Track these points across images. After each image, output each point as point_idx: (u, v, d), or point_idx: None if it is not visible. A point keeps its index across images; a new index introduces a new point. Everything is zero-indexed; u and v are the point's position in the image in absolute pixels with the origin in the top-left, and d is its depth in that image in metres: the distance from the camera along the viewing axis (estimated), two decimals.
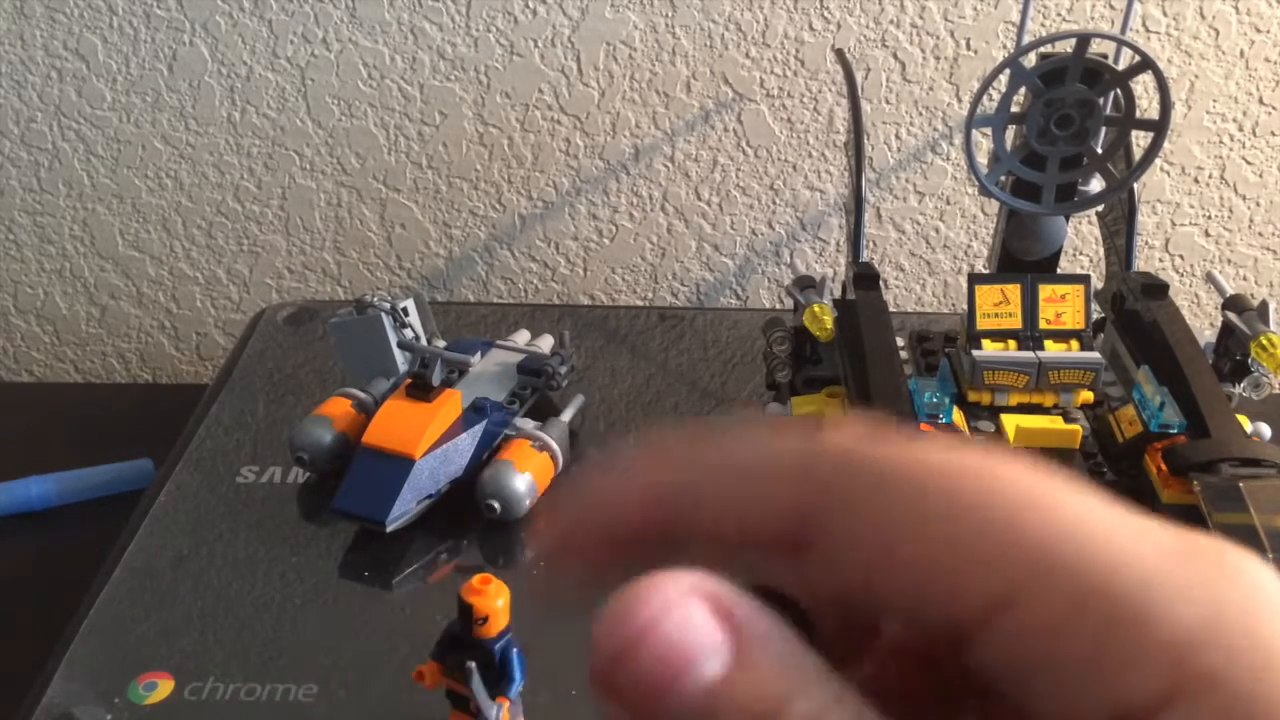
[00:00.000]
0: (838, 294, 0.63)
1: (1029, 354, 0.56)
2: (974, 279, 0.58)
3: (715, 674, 0.14)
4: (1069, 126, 0.53)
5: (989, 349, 0.57)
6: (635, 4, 0.76)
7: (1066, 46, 0.51)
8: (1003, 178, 0.56)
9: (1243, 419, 0.54)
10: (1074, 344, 0.57)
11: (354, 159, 0.82)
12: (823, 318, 0.57)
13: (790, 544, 0.16)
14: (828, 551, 0.16)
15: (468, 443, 0.58)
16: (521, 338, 0.69)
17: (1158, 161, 0.77)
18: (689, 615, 0.14)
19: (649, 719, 0.14)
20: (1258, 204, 0.81)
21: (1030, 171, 0.54)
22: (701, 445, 0.17)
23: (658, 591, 0.15)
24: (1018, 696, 0.14)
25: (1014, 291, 0.58)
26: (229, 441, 0.64)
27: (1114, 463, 0.55)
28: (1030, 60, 0.52)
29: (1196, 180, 0.80)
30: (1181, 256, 0.83)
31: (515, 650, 0.43)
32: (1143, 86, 0.53)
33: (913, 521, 0.15)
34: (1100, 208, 0.61)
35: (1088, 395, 0.57)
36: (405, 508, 0.56)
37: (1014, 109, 0.53)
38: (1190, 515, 0.49)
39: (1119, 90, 0.53)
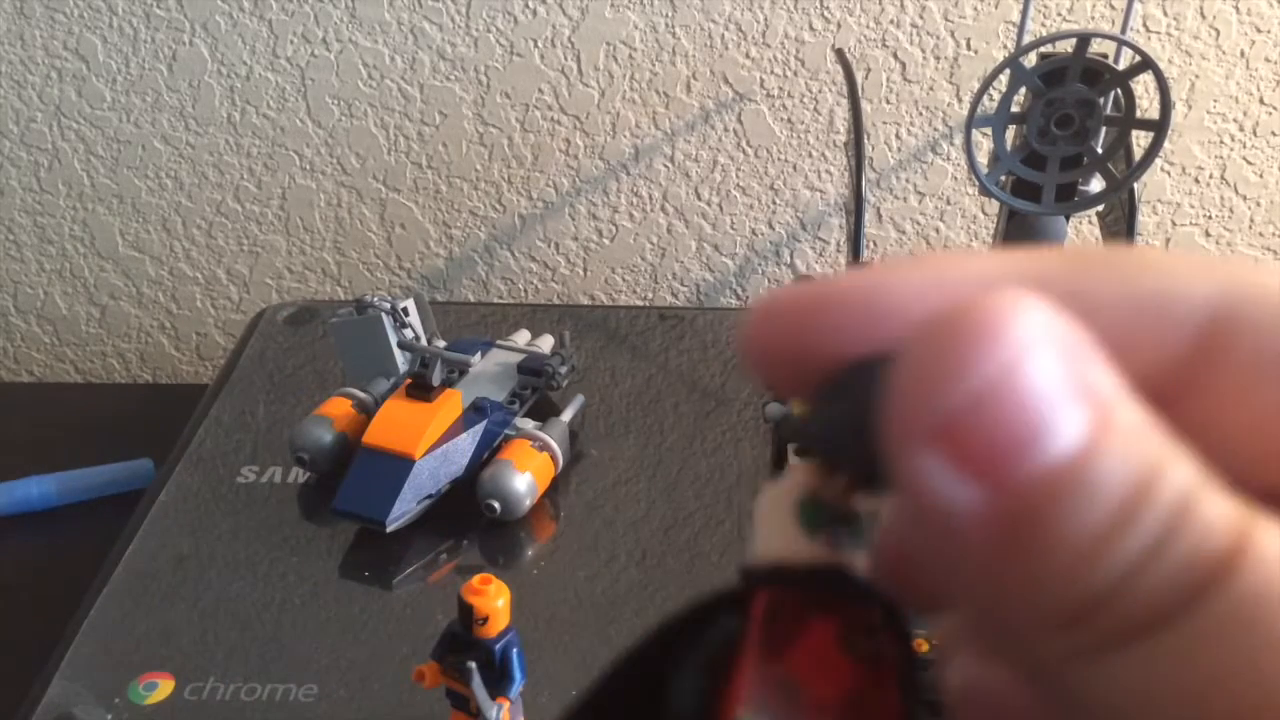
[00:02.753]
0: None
1: None
2: None
3: (1080, 436, 0.12)
4: (1069, 126, 0.53)
5: None
6: (635, 4, 0.76)
7: (1067, 46, 0.51)
8: (1003, 178, 0.56)
9: None
10: None
11: (354, 159, 0.82)
12: None
13: (1165, 388, 0.14)
14: (1207, 400, 0.14)
15: (468, 443, 0.58)
16: (521, 338, 0.69)
17: (1158, 161, 0.77)
18: (1047, 363, 0.12)
19: (993, 483, 0.12)
20: (1258, 204, 0.81)
21: (1030, 171, 0.54)
22: (1088, 265, 0.14)
23: (1009, 330, 0.12)
24: None
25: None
26: (229, 441, 0.64)
27: None
28: (1030, 60, 0.52)
29: (1197, 180, 0.80)
30: None
31: (515, 650, 0.43)
32: (1143, 86, 0.53)
33: None
34: (1100, 208, 0.61)
35: None
36: (405, 508, 0.56)
37: (1014, 109, 0.53)
38: None
39: (1119, 90, 0.53)
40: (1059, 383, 0.12)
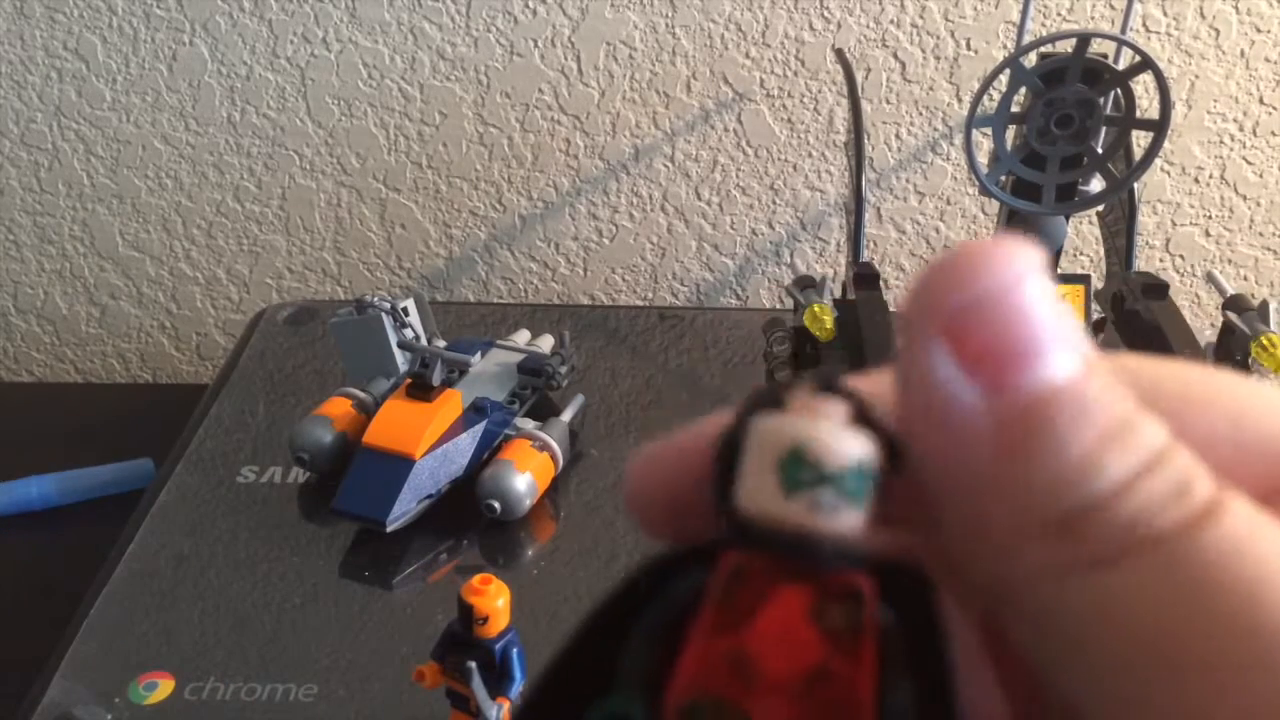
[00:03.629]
0: (838, 294, 0.63)
1: None
2: None
3: (1074, 365, 0.13)
4: (1069, 126, 0.53)
5: None
6: (635, 4, 0.76)
7: (1067, 46, 0.51)
8: (1003, 178, 0.56)
9: None
10: None
11: (354, 159, 0.82)
12: (823, 318, 0.57)
13: None
14: None
15: (468, 443, 0.58)
16: (521, 338, 0.69)
17: (1158, 161, 0.77)
18: (1042, 292, 0.13)
19: (996, 384, 0.13)
20: (1258, 204, 0.81)
21: (1030, 171, 0.54)
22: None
23: (1011, 260, 0.13)
24: None
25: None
26: (229, 441, 0.64)
27: None
28: (1030, 60, 0.52)
29: (1197, 180, 0.80)
30: (1182, 256, 0.83)
31: (515, 650, 0.43)
32: (1143, 86, 0.53)
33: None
34: (1100, 208, 0.61)
35: None
36: (405, 508, 0.56)
37: (1014, 109, 0.53)
38: None
39: (1119, 90, 0.53)
40: (1053, 315, 0.13)
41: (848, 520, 0.13)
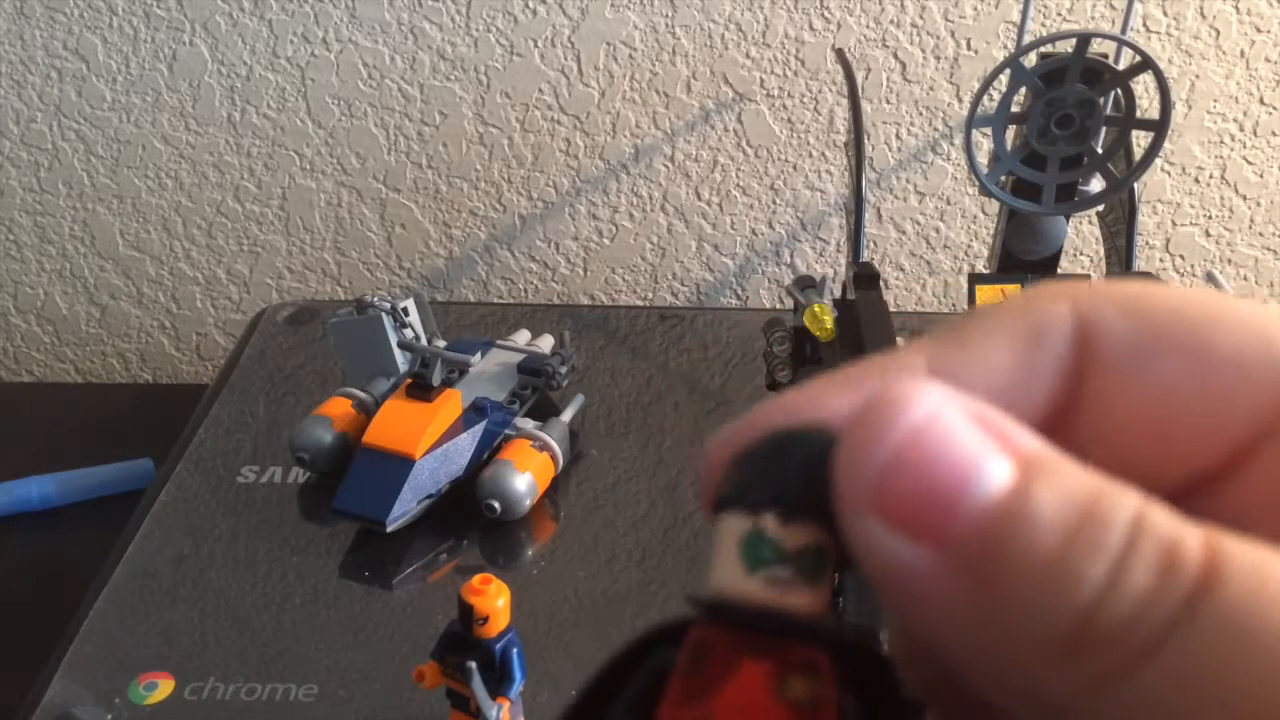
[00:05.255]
0: (838, 294, 0.63)
1: None
2: (974, 279, 0.58)
3: (1006, 477, 0.12)
4: (1069, 126, 0.53)
5: None
6: (635, 4, 0.76)
7: (1067, 46, 0.51)
8: (1003, 178, 0.56)
9: None
10: None
11: (354, 159, 0.82)
12: (823, 318, 0.57)
13: (1056, 418, 0.14)
14: (1091, 413, 0.14)
15: (468, 443, 0.58)
16: (521, 338, 0.69)
17: (1158, 161, 0.77)
18: (955, 420, 0.13)
19: (935, 539, 0.12)
20: (1258, 204, 0.81)
21: (1030, 171, 0.54)
22: (951, 335, 0.15)
23: (913, 401, 0.13)
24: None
25: (1014, 291, 0.58)
26: (229, 441, 0.64)
27: None
28: (1030, 60, 0.52)
29: (1197, 180, 0.80)
30: (1182, 257, 0.83)
31: (515, 650, 0.43)
32: (1143, 86, 0.53)
33: (1182, 358, 0.14)
34: (1100, 208, 0.61)
35: None
36: (405, 508, 0.56)
37: (1014, 109, 0.53)
38: None
39: (1119, 90, 0.53)
40: (972, 436, 0.13)
41: (805, 597, 0.14)
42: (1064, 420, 0.15)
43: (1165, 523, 0.12)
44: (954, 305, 0.86)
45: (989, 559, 0.12)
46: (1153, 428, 0.14)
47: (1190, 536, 0.12)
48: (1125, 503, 0.12)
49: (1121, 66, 0.52)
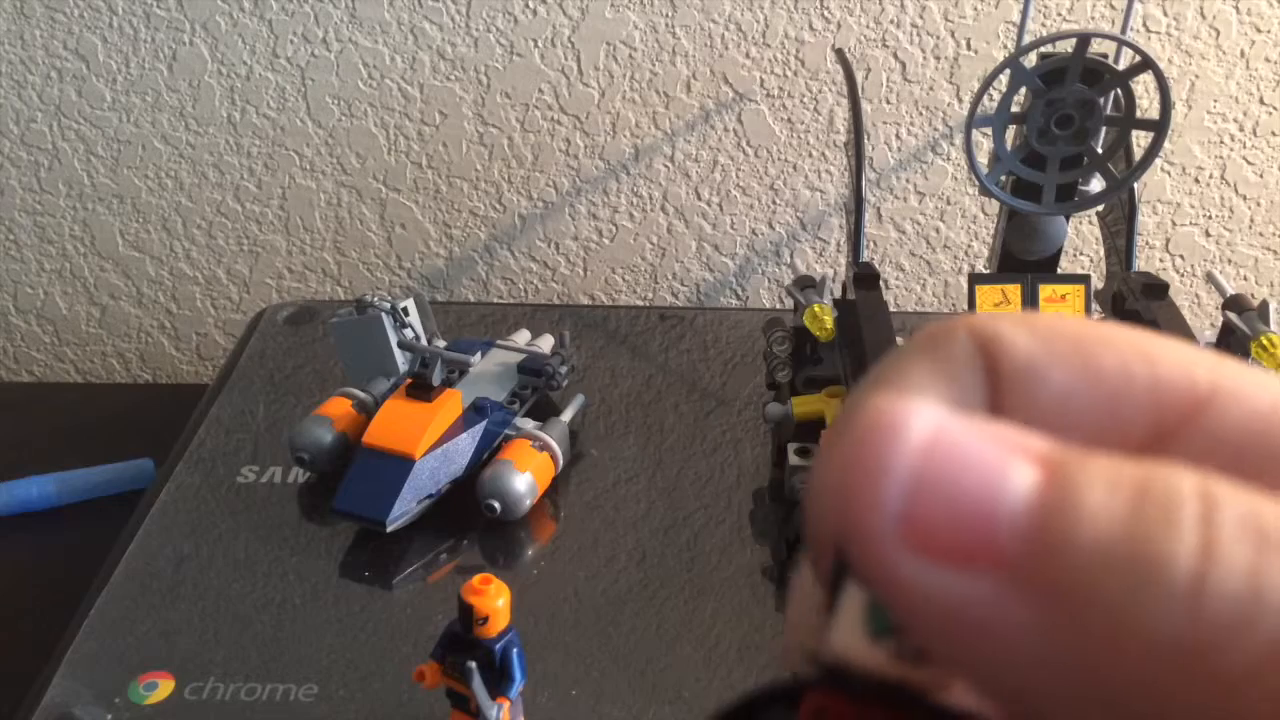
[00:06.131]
0: (838, 294, 0.63)
1: None
2: (974, 279, 0.58)
3: (1032, 478, 0.11)
4: (1069, 126, 0.53)
5: None
6: (635, 4, 0.76)
7: (1067, 46, 0.51)
8: (1003, 178, 0.56)
9: None
10: None
11: (354, 159, 0.82)
12: (823, 318, 0.57)
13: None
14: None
15: (468, 443, 0.58)
16: (521, 338, 0.69)
17: (1158, 161, 0.77)
18: (965, 428, 0.11)
19: (989, 559, 0.11)
20: (1258, 204, 0.81)
21: (1030, 171, 0.54)
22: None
23: (910, 419, 0.11)
24: None
25: (1014, 292, 0.58)
26: (229, 441, 0.64)
27: None
28: (1030, 60, 0.52)
29: (1197, 180, 0.80)
30: (1182, 256, 0.83)
31: (515, 650, 0.43)
32: (1143, 86, 0.53)
33: (1079, 378, 0.13)
34: (1100, 208, 0.61)
35: None
36: (405, 508, 0.56)
37: (1014, 109, 0.53)
38: None
39: (1119, 90, 0.53)
40: (984, 441, 0.11)
41: (930, 672, 0.13)
42: None
43: (1233, 490, 0.11)
44: (954, 305, 0.86)
45: (1054, 563, 0.11)
46: (1057, 437, 0.14)
47: (1268, 504, 0.11)
48: (1183, 474, 0.11)
49: (1121, 66, 0.52)
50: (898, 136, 0.79)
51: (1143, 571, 0.10)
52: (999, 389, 0.13)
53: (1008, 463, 0.11)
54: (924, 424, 0.11)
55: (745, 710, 0.14)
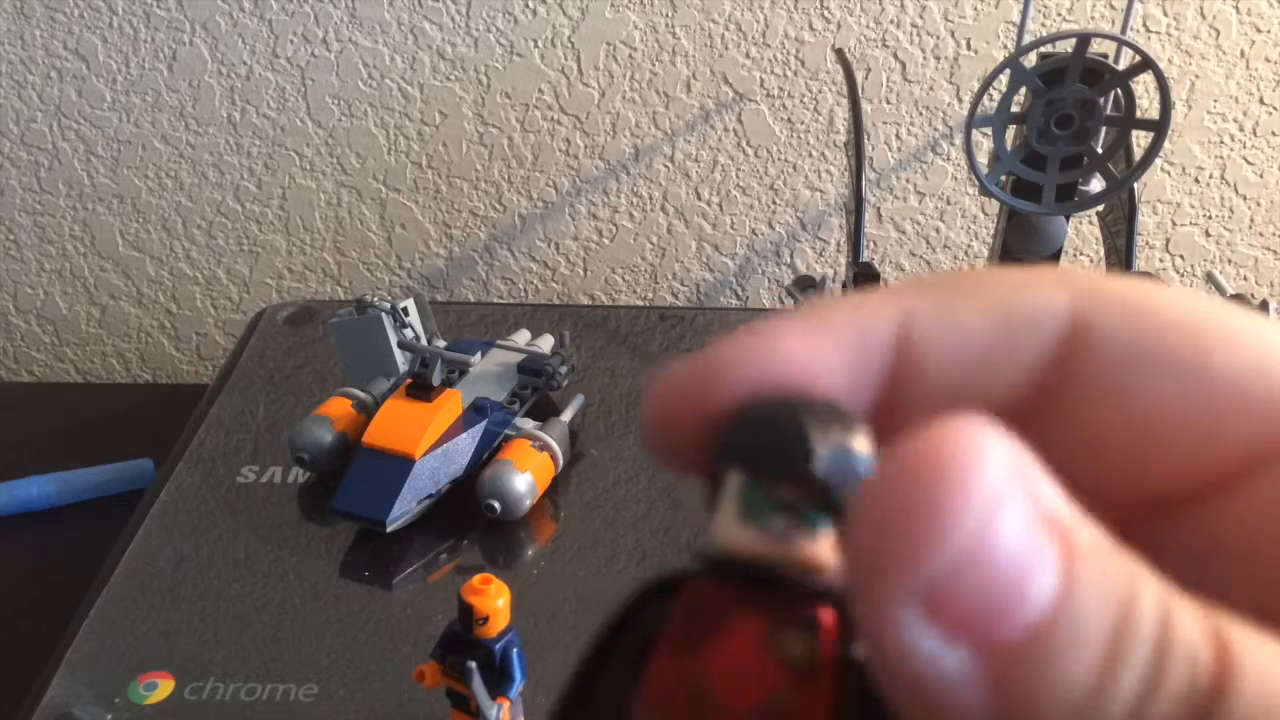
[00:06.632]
0: (838, 294, 0.63)
1: None
2: None
3: (1054, 580, 0.11)
4: (1069, 126, 0.53)
5: None
6: (635, 4, 0.76)
7: (1067, 46, 0.51)
8: (1003, 178, 0.56)
9: None
10: None
11: (354, 159, 0.82)
12: None
13: (1026, 405, 0.14)
14: (1069, 409, 0.14)
15: (468, 443, 0.58)
16: (521, 338, 0.69)
17: (1158, 161, 0.77)
18: (1018, 514, 0.11)
19: (980, 643, 0.11)
20: (1258, 204, 0.81)
21: (1030, 171, 0.54)
22: (917, 292, 0.14)
23: (979, 481, 0.11)
24: (1222, 574, 0.13)
25: None
26: (229, 441, 0.64)
27: None
28: (1030, 60, 0.52)
29: (1197, 180, 0.80)
30: (1182, 256, 0.83)
31: (515, 650, 0.43)
32: (1143, 86, 0.53)
33: (1181, 373, 0.13)
34: (1100, 208, 0.61)
35: None
36: (405, 508, 0.56)
37: (1014, 109, 0.53)
38: None
39: (1119, 90, 0.53)
40: (1029, 532, 0.12)
41: (803, 550, 0.13)
42: (1035, 410, 0.14)
43: (1187, 621, 0.12)
44: None
45: (1032, 667, 0.11)
46: (1136, 437, 0.14)
47: (1201, 634, 0.11)
48: (1151, 598, 0.12)
49: (1121, 66, 0.52)
50: (898, 136, 0.79)
51: (1096, 700, 0.11)
52: (1078, 364, 0.14)
53: (1037, 563, 0.11)
54: (987, 494, 0.11)
55: (633, 607, 0.14)
